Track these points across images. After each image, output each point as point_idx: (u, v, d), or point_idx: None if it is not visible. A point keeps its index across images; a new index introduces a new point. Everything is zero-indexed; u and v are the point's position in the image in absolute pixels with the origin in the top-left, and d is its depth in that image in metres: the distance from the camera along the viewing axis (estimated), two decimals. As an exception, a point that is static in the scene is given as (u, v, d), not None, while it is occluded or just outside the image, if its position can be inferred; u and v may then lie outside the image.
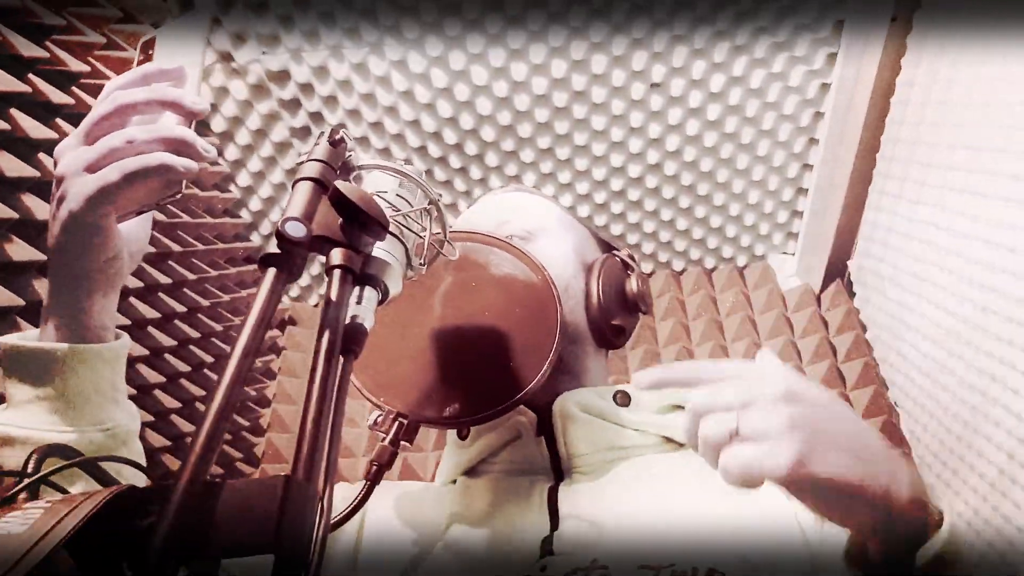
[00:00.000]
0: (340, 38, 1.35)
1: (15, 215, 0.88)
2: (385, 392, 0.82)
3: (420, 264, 0.70)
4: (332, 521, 0.74)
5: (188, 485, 0.46)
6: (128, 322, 1.08)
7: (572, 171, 1.56)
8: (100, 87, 0.89)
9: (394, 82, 1.39)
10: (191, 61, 0.73)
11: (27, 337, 0.70)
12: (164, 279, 1.18)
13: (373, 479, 0.77)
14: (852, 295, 1.64)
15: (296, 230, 0.57)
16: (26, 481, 0.49)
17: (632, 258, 1.04)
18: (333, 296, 0.59)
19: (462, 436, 0.93)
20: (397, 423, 0.79)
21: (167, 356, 1.19)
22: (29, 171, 0.90)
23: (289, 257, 0.58)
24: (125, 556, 0.45)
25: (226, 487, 0.48)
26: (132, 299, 1.11)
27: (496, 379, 0.82)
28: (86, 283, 0.68)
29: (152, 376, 1.13)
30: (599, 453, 0.88)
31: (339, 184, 0.61)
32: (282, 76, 1.41)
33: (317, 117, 1.47)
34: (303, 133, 1.51)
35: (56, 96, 0.98)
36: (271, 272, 0.57)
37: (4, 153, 0.89)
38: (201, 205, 1.45)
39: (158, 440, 1.13)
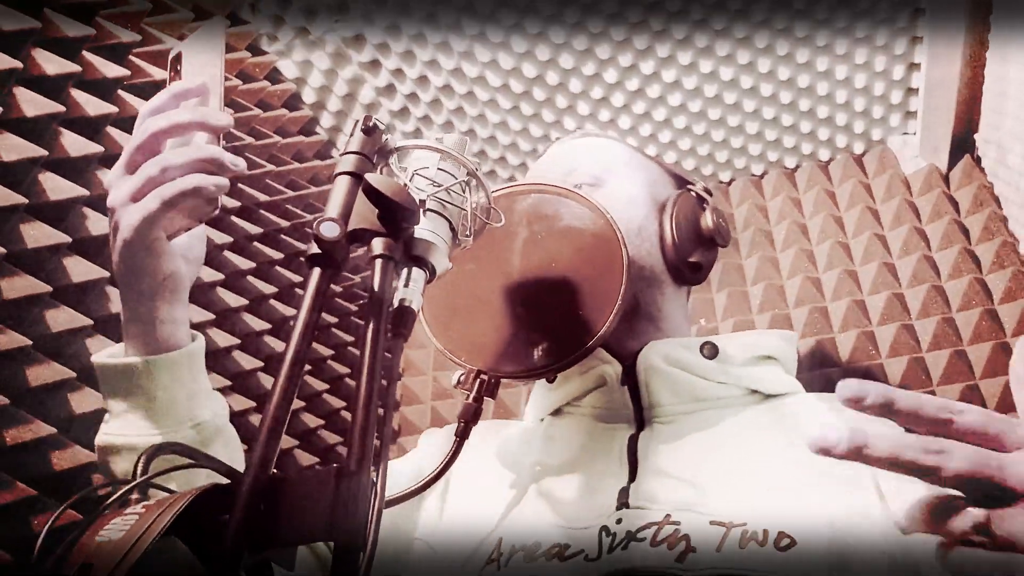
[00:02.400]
0: (406, -7, 1.36)
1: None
2: (465, 351, 0.85)
3: (466, 236, 0.72)
4: (428, 478, 0.79)
5: (253, 484, 0.52)
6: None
7: (662, 84, 1.52)
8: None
9: (464, 27, 1.39)
10: (212, 74, 0.77)
11: (114, 354, 0.78)
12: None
13: (461, 435, 0.82)
14: (982, 171, 1.52)
15: (330, 230, 0.61)
16: (121, 489, 0.56)
17: (708, 191, 1.01)
18: (376, 284, 0.62)
19: (550, 380, 0.96)
20: (479, 380, 0.83)
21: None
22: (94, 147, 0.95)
23: (330, 255, 0.61)
24: (206, 549, 0.51)
25: (286, 482, 0.53)
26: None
27: (567, 329, 0.83)
28: (150, 300, 0.75)
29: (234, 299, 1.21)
30: (681, 404, 0.89)
31: (369, 177, 0.64)
32: (359, 40, 1.44)
33: (399, 73, 1.50)
34: (388, 92, 1.54)
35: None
36: (316, 272, 0.61)
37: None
38: (306, 175, 1.53)
39: (249, 361, 1.22)
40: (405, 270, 0.67)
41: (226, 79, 1.28)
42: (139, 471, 0.64)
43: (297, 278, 1.36)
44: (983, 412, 0.52)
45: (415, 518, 0.90)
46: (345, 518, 0.51)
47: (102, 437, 0.77)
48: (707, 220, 0.97)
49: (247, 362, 1.22)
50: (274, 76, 1.47)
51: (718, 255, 1.00)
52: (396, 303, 0.65)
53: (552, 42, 1.42)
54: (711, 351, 0.91)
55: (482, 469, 0.92)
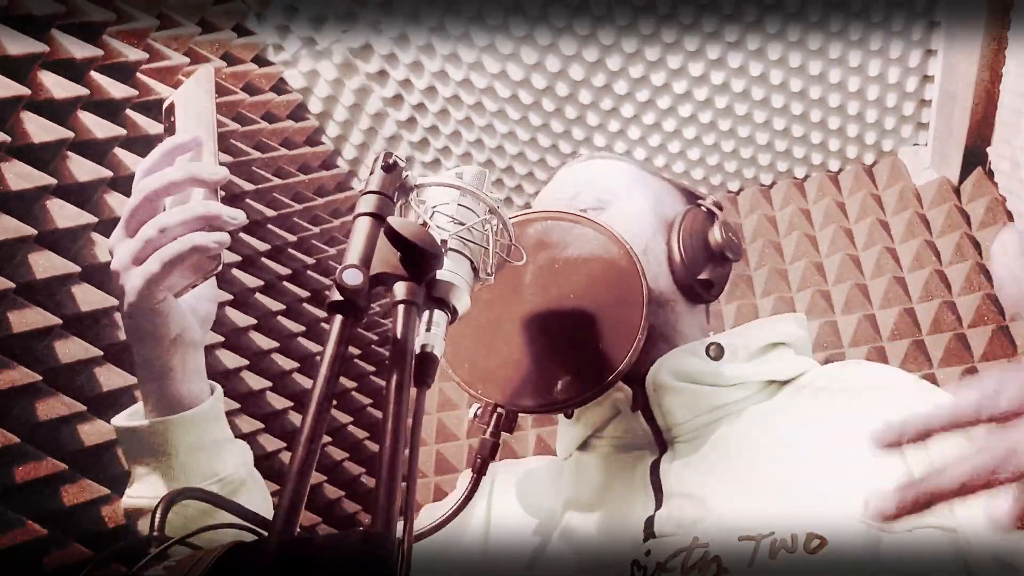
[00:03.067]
0: (416, 3, 1.34)
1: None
2: (482, 384, 0.84)
3: (488, 275, 0.71)
4: (443, 516, 0.78)
5: (278, 548, 0.50)
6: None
7: (672, 95, 1.50)
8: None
9: (473, 38, 1.38)
10: (205, 123, 0.75)
11: (135, 415, 0.77)
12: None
13: (479, 472, 0.80)
14: (995, 184, 1.51)
15: (353, 278, 0.59)
16: (154, 551, 0.55)
17: (719, 205, 0.99)
18: (399, 332, 0.61)
19: (568, 415, 0.94)
20: (496, 414, 0.82)
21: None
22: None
23: (353, 303, 0.60)
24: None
25: (313, 544, 0.52)
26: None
27: (587, 361, 0.82)
28: (161, 361, 0.74)
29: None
30: (699, 417, 0.86)
31: (391, 221, 0.62)
32: (366, 50, 1.42)
33: (406, 84, 1.48)
34: (396, 102, 1.52)
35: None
36: (338, 319, 0.60)
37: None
38: (310, 187, 1.51)
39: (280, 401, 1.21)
40: (427, 313, 0.65)
41: (229, 94, 1.26)
42: (156, 523, 0.63)
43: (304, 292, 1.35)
44: (1013, 381, 0.50)
45: (448, 563, 0.89)
46: (374, 583, 0.50)
47: (127, 500, 0.75)
48: (715, 235, 0.93)
49: (278, 402, 1.21)
50: (280, 87, 1.45)
51: (731, 268, 0.97)
52: (418, 349, 0.63)
53: (563, 53, 1.40)
54: (717, 351, 0.88)
55: (518, 509, 0.91)
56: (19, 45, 0.86)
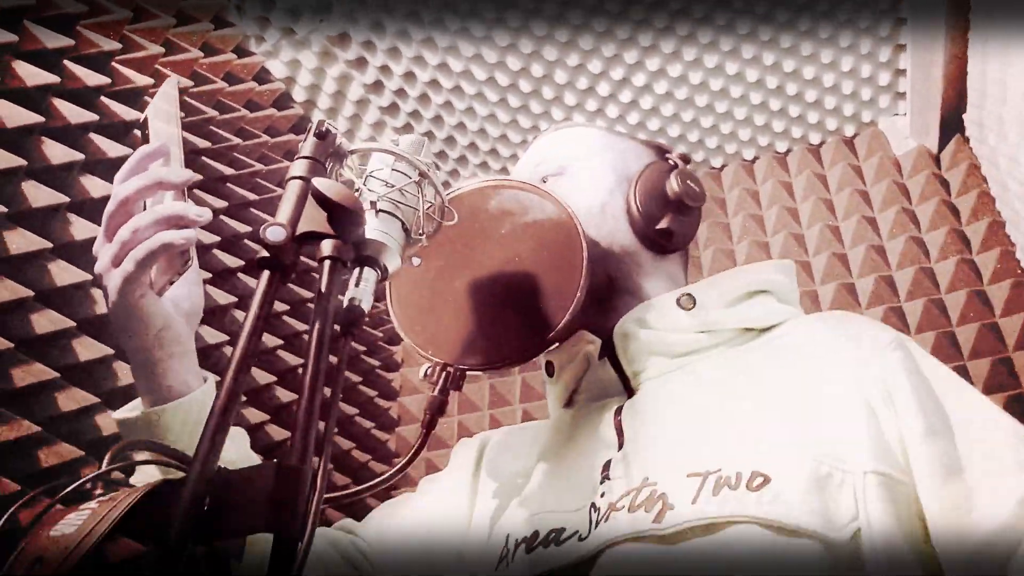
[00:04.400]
0: (388, -10, 1.38)
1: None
2: (432, 345, 0.87)
3: (420, 235, 0.74)
4: (404, 462, 0.81)
5: (197, 480, 0.54)
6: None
7: (647, 73, 1.52)
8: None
9: (446, 23, 1.41)
10: (171, 133, 0.81)
11: (133, 408, 0.81)
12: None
13: (428, 426, 0.84)
14: (972, 150, 1.52)
15: (275, 234, 0.63)
16: (73, 485, 0.59)
17: (684, 158, 1.00)
18: (323, 285, 0.64)
19: (549, 374, 0.97)
20: (444, 373, 0.85)
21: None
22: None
23: (278, 259, 0.64)
24: (153, 543, 0.54)
25: (232, 475, 0.56)
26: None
27: (529, 320, 0.85)
28: (148, 354, 0.78)
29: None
30: (662, 363, 0.87)
31: (316, 181, 0.66)
32: (344, 39, 1.46)
33: (385, 70, 1.52)
34: (376, 88, 1.56)
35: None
36: (265, 275, 0.64)
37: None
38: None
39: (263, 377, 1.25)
40: (357, 270, 0.69)
41: (208, 83, 1.31)
42: (103, 466, 0.67)
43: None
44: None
45: (439, 530, 0.93)
46: (284, 511, 0.53)
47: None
48: (672, 184, 0.95)
49: (262, 377, 1.26)
50: (263, 77, 1.49)
51: (698, 216, 0.98)
52: (347, 302, 0.67)
53: (534, 34, 1.43)
54: (688, 301, 0.89)
55: (501, 470, 0.95)
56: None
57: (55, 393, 0.94)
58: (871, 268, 1.49)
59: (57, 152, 1.00)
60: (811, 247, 1.58)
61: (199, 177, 0.79)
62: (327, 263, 0.66)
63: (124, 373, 1.04)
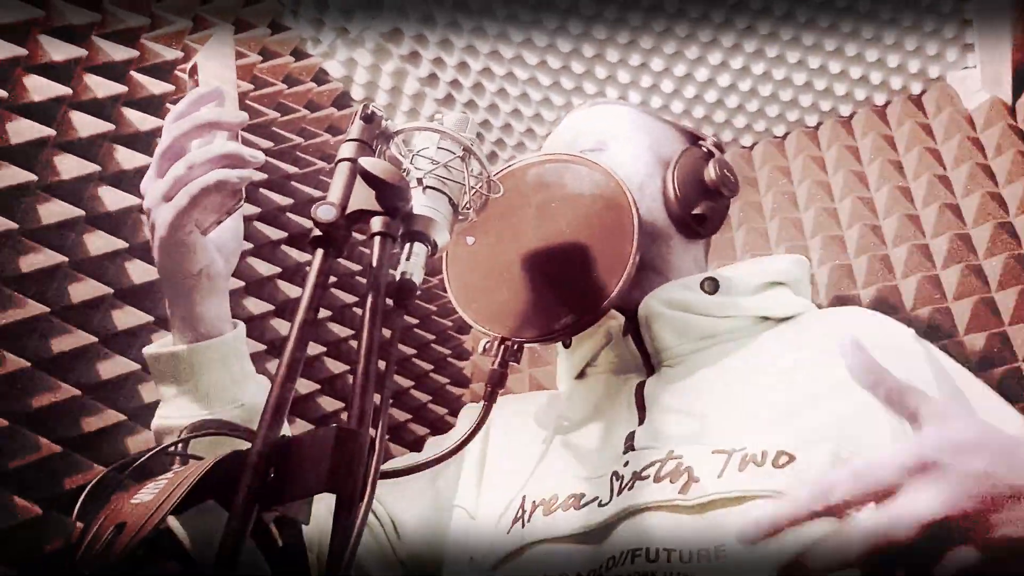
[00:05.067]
0: (436, -17, 1.40)
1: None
2: (489, 321, 0.89)
3: (467, 209, 0.76)
4: (455, 444, 0.83)
5: (260, 449, 0.57)
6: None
7: (699, 44, 1.51)
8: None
9: (495, 10, 1.43)
10: (226, 78, 0.84)
11: (164, 344, 0.85)
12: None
13: (489, 399, 0.85)
14: (1049, 98, 1.45)
15: (327, 213, 0.65)
16: (148, 453, 0.63)
17: (718, 146, 1.02)
18: (374, 260, 0.67)
19: (566, 345, 0.99)
20: (503, 346, 0.87)
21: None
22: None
23: (331, 237, 0.66)
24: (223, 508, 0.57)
25: (293, 441, 0.58)
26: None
27: (582, 290, 0.86)
28: (189, 293, 0.82)
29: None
30: (687, 344, 0.91)
31: (362, 161, 0.68)
32: (396, 34, 1.49)
33: (439, 63, 1.55)
34: (431, 81, 1.59)
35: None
36: (319, 253, 0.66)
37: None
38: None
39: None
40: (408, 245, 0.71)
41: (269, 86, 1.35)
42: (180, 441, 0.71)
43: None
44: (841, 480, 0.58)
45: (456, 488, 0.95)
46: (343, 473, 0.55)
47: (156, 421, 0.84)
48: (710, 172, 0.98)
49: (311, 348, 1.29)
50: (321, 78, 1.53)
51: (728, 204, 1.00)
52: (398, 277, 0.69)
53: (583, 14, 1.43)
54: (711, 286, 0.93)
55: (514, 437, 0.97)
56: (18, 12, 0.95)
57: (96, 360, 0.98)
58: (945, 227, 1.44)
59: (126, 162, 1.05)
60: (880, 210, 1.53)
61: (247, 119, 0.82)
62: (377, 239, 0.68)
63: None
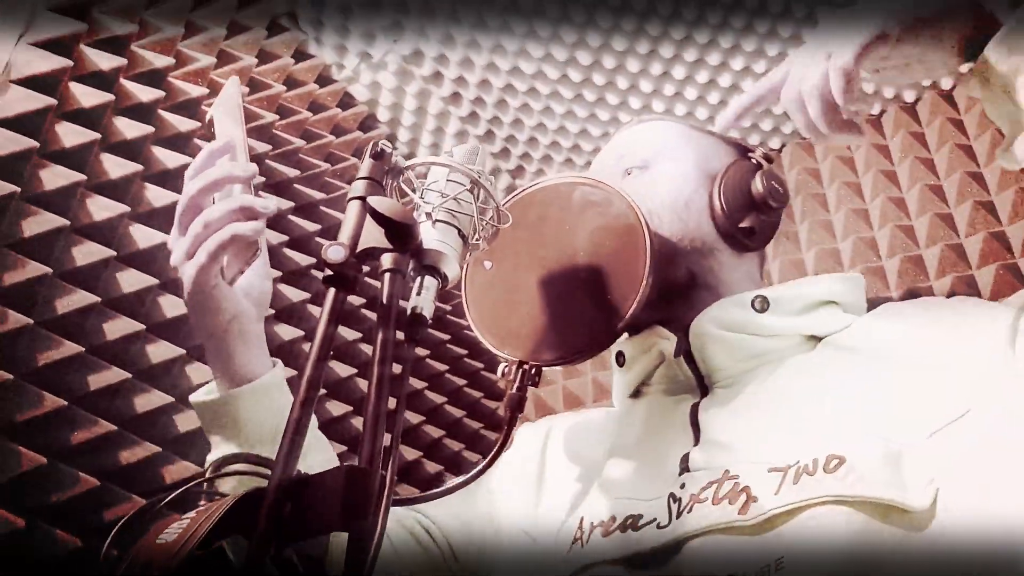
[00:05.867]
0: (454, 3, 1.42)
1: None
2: (507, 344, 0.90)
3: (477, 240, 0.77)
4: (476, 471, 0.84)
5: (275, 486, 0.59)
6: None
7: (720, 51, 1.50)
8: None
9: (513, 27, 1.44)
10: (237, 128, 0.87)
11: (209, 391, 0.89)
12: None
13: (508, 423, 0.87)
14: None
15: (336, 253, 0.67)
16: (172, 494, 0.65)
17: (767, 158, 1.02)
18: (384, 296, 0.68)
19: (619, 363, 1.00)
20: (521, 370, 0.88)
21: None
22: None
23: (342, 276, 0.68)
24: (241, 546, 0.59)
25: (308, 479, 0.60)
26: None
27: (597, 313, 0.87)
28: (222, 341, 0.85)
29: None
30: (739, 364, 0.91)
31: (371, 200, 0.70)
32: (417, 56, 1.52)
33: (461, 82, 1.56)
34: (455, 100, 1.61)
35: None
36: (331, 292, 0.68)
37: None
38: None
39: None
40: (419, 279, 0.73)
41: (294, 114, 1.38)
42: (206, 476, 0.74)
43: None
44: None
45: (505, 511, 0.97)
46: (354, 513, 0.57)
47: (208, 465, 0.88)
48: (757, 185, 0.97)
49: (343, 370, 1.32)
50: (347, 102, 1.56)
51: (778, 217, 1.00)
52: (409, 310, 0.70)
53: (600, 27, 1.44)
54: (762, 304, 0.92)
55: (571, 457, 0.98)
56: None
57: (132, 396, 1.02)
58: (980, 226, 1.41)
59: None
60: (875, 218, 1.51)
61: (259, 174, 0.86)
62: (387, 275, 0.70)
63: (196, 374, 1.12)
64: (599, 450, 0.97)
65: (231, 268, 0.85)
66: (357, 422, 1.32)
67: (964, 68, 0.81)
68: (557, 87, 1.57)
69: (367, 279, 1.41)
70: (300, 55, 1.46)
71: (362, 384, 1.35)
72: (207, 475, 0.74)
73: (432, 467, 1.45)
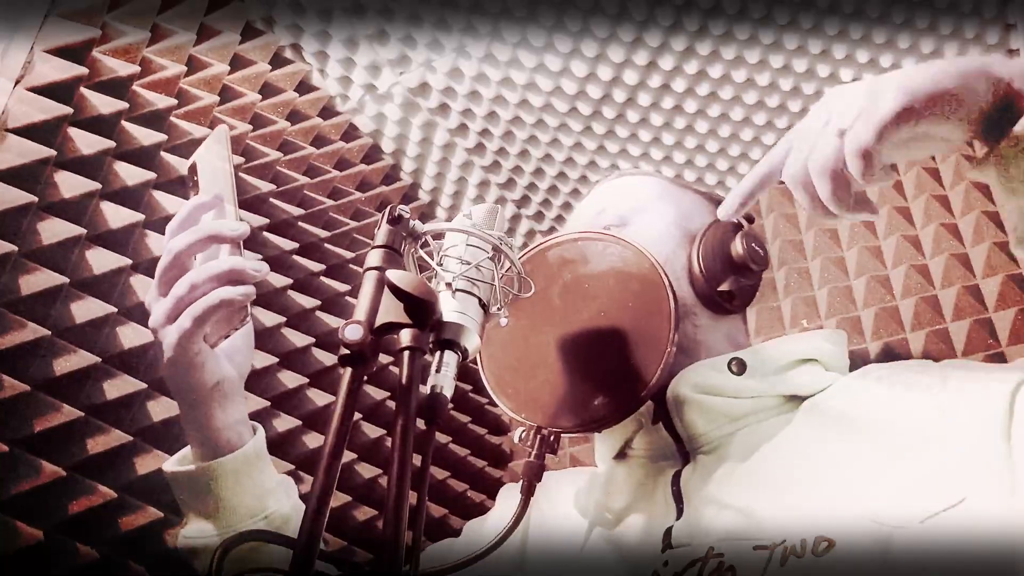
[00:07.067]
0: (461, 38, 1.39)
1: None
2: (524, 409, 0.87)
3: (498, 309, 0.74)
4: (495, 540, 0.81)
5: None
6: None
7: (723, 63, 1.48)
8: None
9: (523, 60, 1.41)
10: (224, 182, 0.80)
11: (181, 460, 0.84)
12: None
13: (527, 493, 0.83)
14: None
15: (354, 333, 0.64)
16: None
17: (748, 218, 0.98)
18: (404, 376, 0.65)
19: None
20: (539, 437, 0.85)
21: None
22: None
23: (360, 354, 0.65)
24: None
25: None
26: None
27: (619, 378, 0.84)
28: (203, 409, 0.80)
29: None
30: (718, 429, 0.87)
31: (389, 274, 0.67)
32: (423, 88, 1.49)
33: (468, 113, 1.53)
34: (462, 131, 1.58)
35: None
36: (347, 372, 0.65)
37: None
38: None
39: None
40: (438, 354, 0.69)
41: (299, 150, 1.35)
42: (214, 567, 0.70)
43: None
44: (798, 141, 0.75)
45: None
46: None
47: (182, 540, 0.83)
48: (737, 247, 0.94)
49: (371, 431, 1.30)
50: (351, 133, 1.53)
51: (759, 278, 0.96)
52: (428, 389, 0.67)
53: (611, 61, 1.41)
54: (739, 366, 0.89)
55: (554, 524, 0.94)
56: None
57: (132, 458, 1.01)
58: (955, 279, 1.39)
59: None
60: (852, 268, 1.48)
61: (248, 230, 0.81)
62: (406, 354, 0.67)
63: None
64: (583, 518, 0.94)
65: (215, 333, 0.80)
66: (363, 468, 1.29)
67: (978, 149, 0.73)
68: (566, 119, 1.54)
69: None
70: (305, 88, 1.43)
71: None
72: (216, 559, 0.69)
73: (437, 510, 1.42)
